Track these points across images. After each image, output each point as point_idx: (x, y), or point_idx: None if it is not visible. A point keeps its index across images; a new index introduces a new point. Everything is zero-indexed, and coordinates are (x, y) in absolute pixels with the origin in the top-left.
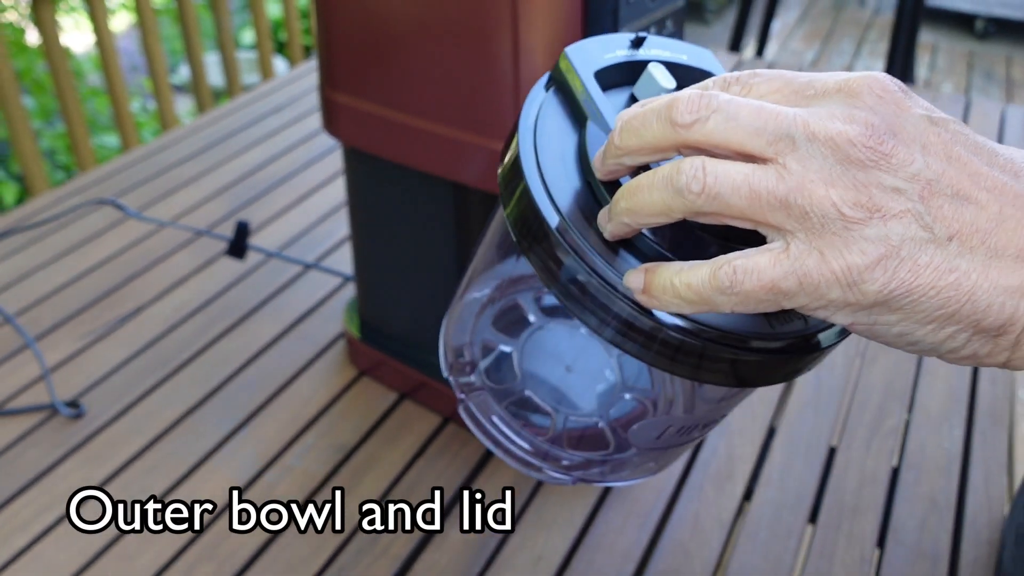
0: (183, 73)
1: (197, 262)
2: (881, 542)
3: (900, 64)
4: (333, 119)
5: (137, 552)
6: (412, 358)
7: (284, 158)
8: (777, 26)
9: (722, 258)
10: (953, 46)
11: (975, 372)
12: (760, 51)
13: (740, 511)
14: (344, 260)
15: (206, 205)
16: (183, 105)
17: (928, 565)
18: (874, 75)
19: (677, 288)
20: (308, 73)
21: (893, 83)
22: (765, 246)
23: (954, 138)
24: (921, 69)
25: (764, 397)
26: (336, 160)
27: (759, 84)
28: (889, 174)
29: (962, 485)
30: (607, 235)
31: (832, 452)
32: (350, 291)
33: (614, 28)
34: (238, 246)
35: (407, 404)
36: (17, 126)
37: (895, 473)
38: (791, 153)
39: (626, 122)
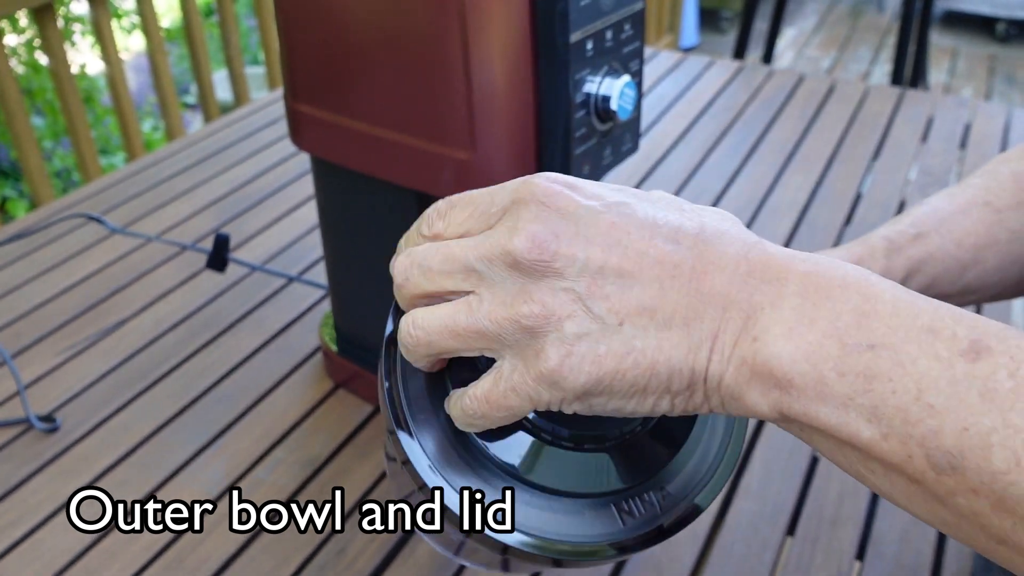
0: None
1: (181, 276)
2: (861, 555)
3: (909, 69)
4: (298, 130)
5: (100, 567)
6: None
7: (273, 171)
8: (794, 33)
9: (463, 391)
10: (974, 50)
11: None
12: (767, 58)
13: (716, 524)
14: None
15: (194, 219)
16: (198, 123)
17: None
18: (535, 181)
19: (456, 416)
20: None
21: (555, 183)
22: (484, 376)
23: (619, 220)
24: (941, 75)
25: None
26: None
27: (455, 214)
28: (557, 278)
29: None
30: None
31: (814, 462)
32: (329, 304)
33: (565, 34)
34: (218, 258)
35: (381, 418)
36: (24, 145)
37: None
38: (481, 283)
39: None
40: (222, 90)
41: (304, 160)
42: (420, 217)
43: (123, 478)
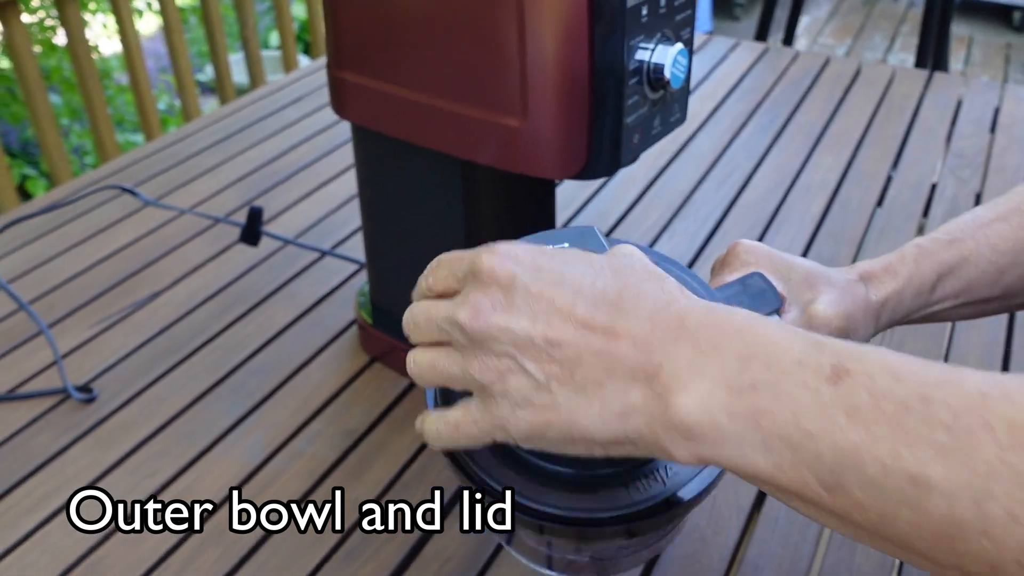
0: (209, 72)
1: (213, 249)
2: None
3: (931, 57)
4: (340, 98)
5: (143, 536)
6: None
7: (302, 147)
8: (807, 21)
9: (441, 413)
10: (989, 39)
11: (1006, 357)
12: (788, 40)
13: (759, 497)
14: (360, 248)
15: (223, 194)
16: (210, 105)
17: None
18: (488, 253)
19: (427, 432)
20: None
21: (503, 256)
22: (462, 404)
23: (547, 290)
24: (957, 64)
25: None
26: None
27: (438, 273)
28: (497, 343)
29: None
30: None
31: None
32: (364, 278)
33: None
34: (251, 232)
35: (418, 391)
36: (43, 122)
37: None
38: (452, 339)
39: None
40: (236, 73)
41: (332, 136)
42: (422, 276)
43: (162, 448)
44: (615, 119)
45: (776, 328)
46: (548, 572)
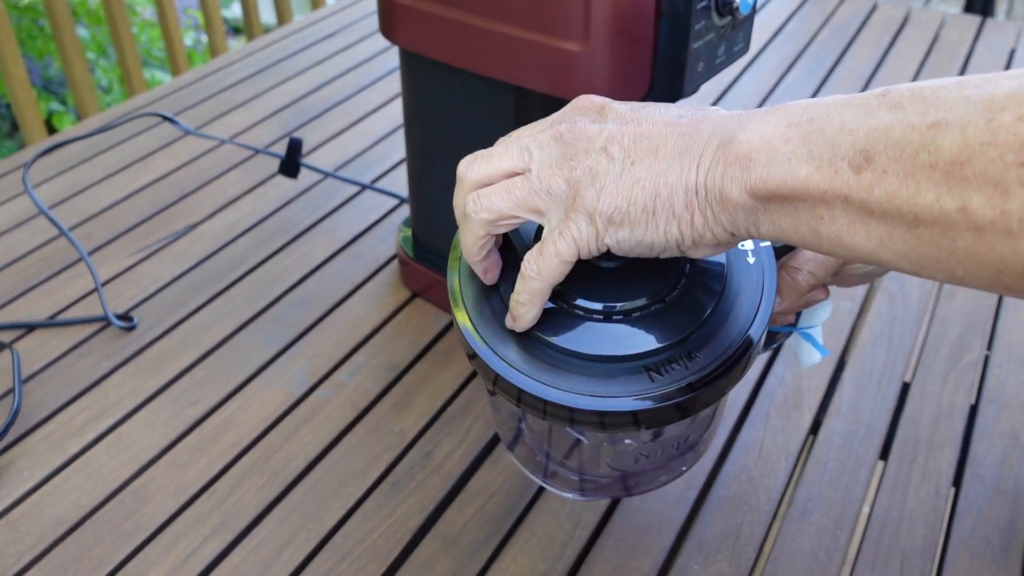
0: (235, 9)
1: (251, 181)
2: (958, 478)
3: (980, 4)
4: (391, 22)
5: (188, 461)
6: None
7: (337, 82)
8: None
9: (523, 261)
10: None
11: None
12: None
13: (807, 441)
14: (399, 183)
15: (259, 127)
16: (236, 45)
17: (1008, 502)
18: (575, 100)
19: (518, 298)
20: (357, 1)
21: (588, 101)
22: (544, 233)
23: (635, 109)
24: (999, 16)
25: (833, 329)
26: (391, 85)
27: (511, 142)
28: (589, 143)
29: None
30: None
31: (906, 387)
32: (405, 213)
33: None
34: (291, 164)
35: None
36: (70, 56)
37: (973, 409)
38: (531, 160)
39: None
40: (263, 12)
41: (367, 72)
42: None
43: (205, 375)
44: (681, 44)
45: (836, 100)
46: (581, 499)
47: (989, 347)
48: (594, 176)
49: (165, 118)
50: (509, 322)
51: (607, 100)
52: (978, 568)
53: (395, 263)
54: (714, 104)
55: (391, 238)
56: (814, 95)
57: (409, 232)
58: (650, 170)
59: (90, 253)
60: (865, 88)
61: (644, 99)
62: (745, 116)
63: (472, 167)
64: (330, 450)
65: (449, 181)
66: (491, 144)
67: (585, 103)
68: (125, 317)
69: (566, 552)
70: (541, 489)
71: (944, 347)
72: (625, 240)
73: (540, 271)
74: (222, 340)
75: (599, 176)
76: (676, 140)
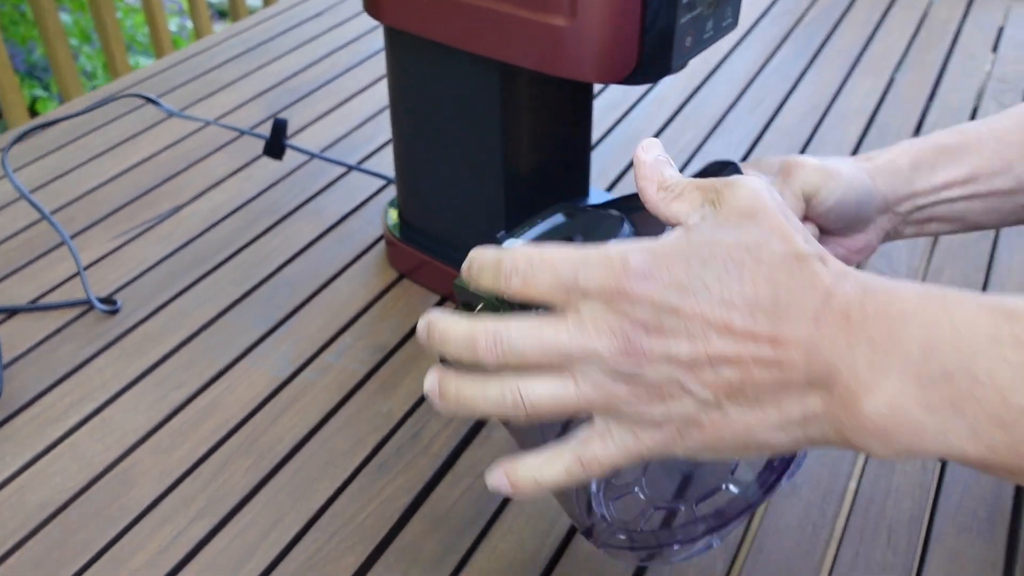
0: None
1: (236, 163)
2: None
3: None
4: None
5: (173, 445)
6: (454, 258)
7: (323, 63)
8: None
9: (568, 451)
10: None
11: None
12: None
13: None
14: (386, 163)
15: (244, 108)
16: (220, 30)
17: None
18: (606, 268)
19: (543, 485)
20: None
21: (633, 273)
22: (592, 431)
23: (703, 306)
24: None
25: None
26: (378, 65)
27: (538, 279)
28: (655, 370)
29: None
30: None
31: None
32: (392, 194)
33: None
34: (276, 145)
35: (449, 306)
36: (53, 41)
37: None
38: (577, 367)
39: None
40: None
41: (354, 52)
42: (491, 261)
43: (189, 358)
44: (669, 19)
45: (950, 300)
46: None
47: None
48: (668, 415)
49: (148, 99)
50: (501, 481)
51: (649, 286)
52: (964, 541)
53: (382, 244)
54: (699, 87)
55: (378, 219)
56: (801, 75)
57: (396, 213)
58: (742, 415)
59: (72, 236)
60: (852, 68)
61: (633, 74)
62: (837, 322)
63: (502, 350)
64: (316, 432)
65: (436, 161)
66: (477, 126)
67: (620, 293)
68: (108, 300)
69: (555, 529)
70: None
71: None
72: (707, 459)
73: (594, 476)
74: (207, 323)
75: (676, 416)
76: (762, 372)
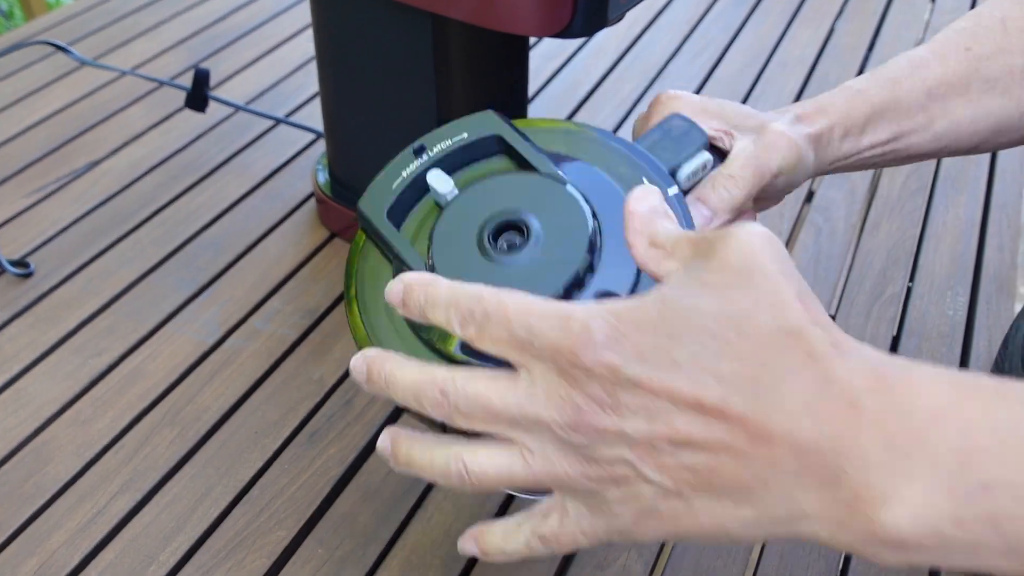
0: None
1: (156, 116)
2: None
3: None
4: None
5: (93, 416)
6: None
7: (250, 7)
8: None
9: (528, 525)
10: None
11: (981, 238)
12: None
13: None
14: (316, 117)
15: (165, 55)
16: None
17: None
18: (581, 337)
19: (509, 555)
20: None
21: (592, 341)
22: (551, 504)
23: (670, 378)
24: None
25: None
26: (306, 12)
27: (491, 330)
28: (608, 448)
29: (964, 352)
30: None
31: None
32: (323, 148)
33: None
34: (198, 97)
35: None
36: None
37: (896, 340)
38: (526, 436)
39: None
40: None
41: None
42: (444, 299)
43: (109, 325)
44: None
45: (988, 396)
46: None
47: (912, 279)
48: (623, 498)
49: (58, 47)
50: (472, 549)
51: (610, 356)
52: None
53: (312, 202)
54: (639, 37)
55: (308, 175)
56: (743, 24)
57: (327, 169)
58: (709, 507)
59: None
60: (793, 17)
61: (568, 27)
62: (839, 415)
63: (445, 408)
64: (245, 400)
65: (366, 116)
66: (408, 79)
67: (576, 362)
68: (20, 263)
69: (491, 498)
70: None
71: (868, 280)
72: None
73: (549, 552)
74: (128, 286)
75: (632, 501)
76: (736, 463)
